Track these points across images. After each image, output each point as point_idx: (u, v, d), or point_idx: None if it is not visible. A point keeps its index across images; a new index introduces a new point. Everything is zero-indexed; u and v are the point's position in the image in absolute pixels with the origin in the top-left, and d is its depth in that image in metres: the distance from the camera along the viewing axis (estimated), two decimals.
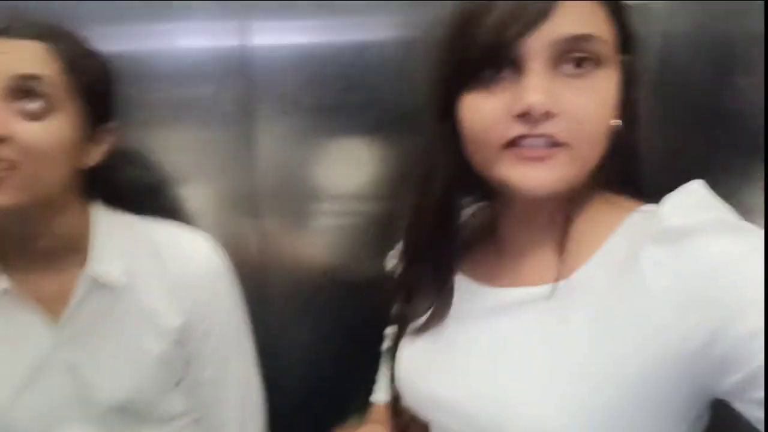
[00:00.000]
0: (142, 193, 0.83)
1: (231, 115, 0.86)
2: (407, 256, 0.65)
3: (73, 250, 0.72)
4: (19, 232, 0.69)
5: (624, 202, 0.55)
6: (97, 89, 0.70)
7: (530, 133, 0.49)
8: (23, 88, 0.62)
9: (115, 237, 0.74)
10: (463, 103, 0.52)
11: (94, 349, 0.73)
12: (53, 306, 0.72)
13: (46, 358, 0.72)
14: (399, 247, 0.67)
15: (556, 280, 0.52)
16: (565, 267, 0.52)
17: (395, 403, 0.65)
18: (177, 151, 0.88)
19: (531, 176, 0.50)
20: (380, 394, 0.74)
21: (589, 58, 0.49)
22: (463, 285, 0.61)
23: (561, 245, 0.53)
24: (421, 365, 0.61)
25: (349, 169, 0.90)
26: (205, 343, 0.78)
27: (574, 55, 0.48)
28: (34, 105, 0.63)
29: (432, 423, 0.60)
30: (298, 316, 0.95)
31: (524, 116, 0.48)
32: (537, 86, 0.48)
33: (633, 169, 0.56)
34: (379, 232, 0.92)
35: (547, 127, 0.48)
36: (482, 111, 0.51)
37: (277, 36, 0.86)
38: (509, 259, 0.59)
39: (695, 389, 0.47)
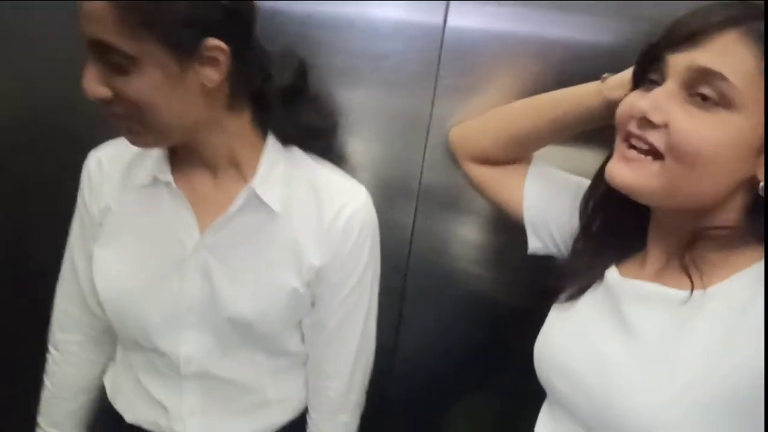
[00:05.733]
0: (315, 135, 0.82)
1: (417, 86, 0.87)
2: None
3: (238, 169, 0.73)
4: (190, 141, 0.70)
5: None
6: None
7: (635, 133, 0.58)
8: None
9: (281, 167, 0.75)
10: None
11: (233, 264, 0.74)
12: (208, 212, 0.73)
13: (186, 258, 0.74)
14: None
15: (692, 288, 0.57)
16: (698, 280, 0.57)
17: None
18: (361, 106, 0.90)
19: (616, 171, 0.59)
20: None
21: (716, 96, 0.53)
22: (609, 274, 0.66)
23: (682, 257, 0.59)
24: (558, 337, 0.68)
25: None
26: (338, 291, 0.78)
27: (701, 89, 0.54)
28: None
29: (551, 390, 0.67)
30: (434, 301, 0.97)
31: (639, 120, 0.57)
32: (652, 96, 0.56)
33: None
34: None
35: (650, 135, 0.56)
36: (624, 103, 0.60)
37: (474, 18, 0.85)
38: (650, 258, 0.65)
39: None
